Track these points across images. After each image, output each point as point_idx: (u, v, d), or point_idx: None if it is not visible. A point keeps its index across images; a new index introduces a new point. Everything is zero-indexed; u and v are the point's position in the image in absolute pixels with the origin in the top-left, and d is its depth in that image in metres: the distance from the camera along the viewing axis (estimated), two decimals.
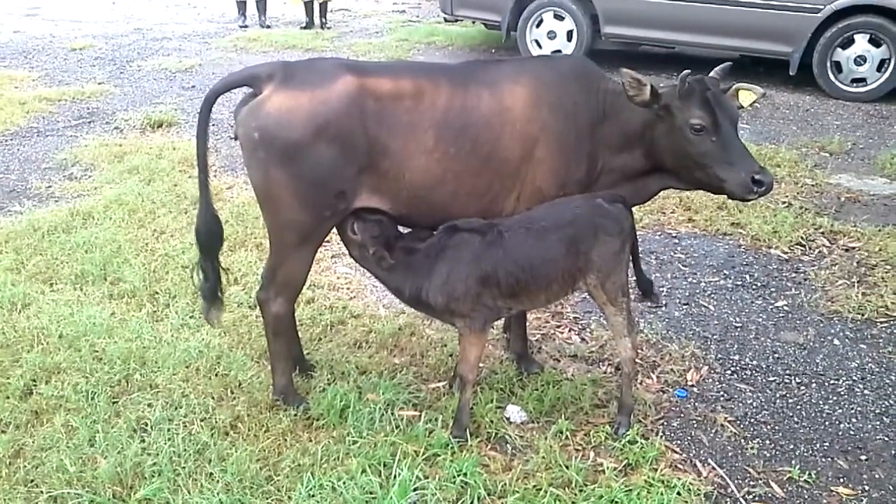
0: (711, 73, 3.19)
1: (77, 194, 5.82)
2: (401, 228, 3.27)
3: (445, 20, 13.13)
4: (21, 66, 10.00)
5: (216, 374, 3.62)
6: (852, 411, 3.56)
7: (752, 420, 3.49)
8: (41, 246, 4.85)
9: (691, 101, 3.05)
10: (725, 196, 3.22)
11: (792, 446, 3.33)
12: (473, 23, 12.14)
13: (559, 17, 9.97)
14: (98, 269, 4.52)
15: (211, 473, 2.99)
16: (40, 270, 4.57)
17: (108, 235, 4.95)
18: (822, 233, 5.36)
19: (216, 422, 3.28)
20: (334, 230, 3.25)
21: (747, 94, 3.11)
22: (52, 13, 14.31)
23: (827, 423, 3.49)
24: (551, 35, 10.05)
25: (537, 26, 10.10)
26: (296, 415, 3.33)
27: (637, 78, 3.05)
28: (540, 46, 10.12)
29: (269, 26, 12.95)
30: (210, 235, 3.29)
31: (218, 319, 3.47)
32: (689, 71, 3.08)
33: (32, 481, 2.98)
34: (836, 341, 4.12)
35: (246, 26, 12.93)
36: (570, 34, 9.94)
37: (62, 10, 14.61)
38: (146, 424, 3.27)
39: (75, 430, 3.22)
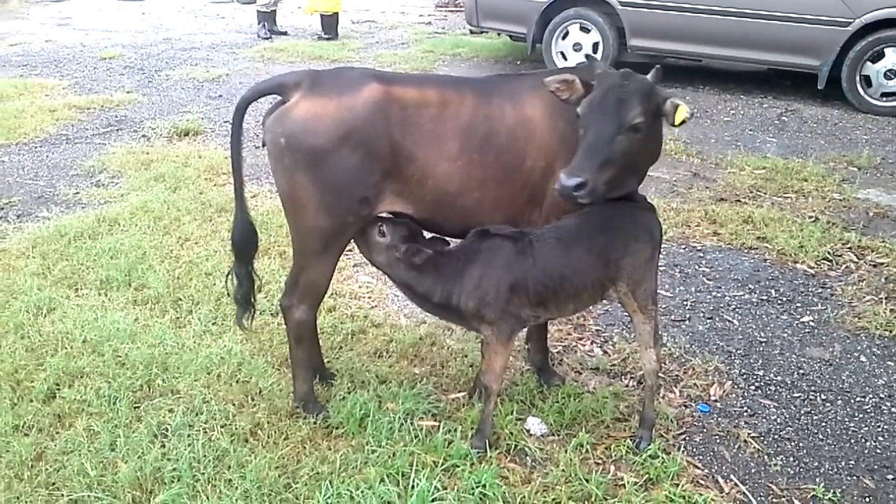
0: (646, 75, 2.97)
1: (104, 201, 5.89)
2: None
3: (471, 32, 13.16)
4: (52, 74, 10.16)
5: (237, 381, 3.63)
6: (879, 429, 3.50)
7: (776, 436, 3.44)
8: (67, 251, 4.91)
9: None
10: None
11: (816, 464, 3.28)
12: (499, 35, 12.16)
13: (585, 30, 9.94)
14: (123, 275, 4.57)
15: (230, 480, 3.00)
16: (66, 275, 4.62)
17: (134, 242, 5.00)
18: (850, 248, 5.28)
19: (236, 428, 3.29)
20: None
21: (683, 110, 2.97)
22: (84, 23, 14.53)
23: (852, 440, 3.43)
24: (577, 47, 10.01)
25: (563, 38, 10.08)
26: (315, 423, 3.33)
27: (563, 79, 2.95)
28: (565, 58, 10.09)
29: (269, 38, 12.92)
30: (244, 241, 3.33)
31: (249, 325, 3.49)
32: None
33: (53, 484, 3.01)
34: (862, 358, 4.06)
35: (269, 37, 13.00)
36: (595, 46, 9.91)
37: (93, 21, 14.84)
38: (167, 430, 3.28)
39: (97, 435, 3.24)
